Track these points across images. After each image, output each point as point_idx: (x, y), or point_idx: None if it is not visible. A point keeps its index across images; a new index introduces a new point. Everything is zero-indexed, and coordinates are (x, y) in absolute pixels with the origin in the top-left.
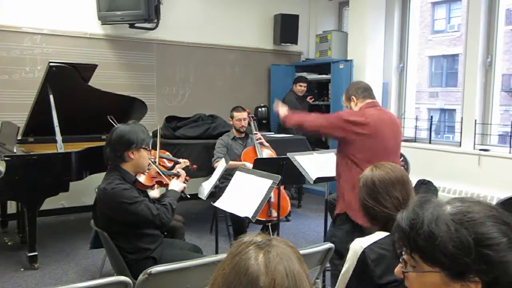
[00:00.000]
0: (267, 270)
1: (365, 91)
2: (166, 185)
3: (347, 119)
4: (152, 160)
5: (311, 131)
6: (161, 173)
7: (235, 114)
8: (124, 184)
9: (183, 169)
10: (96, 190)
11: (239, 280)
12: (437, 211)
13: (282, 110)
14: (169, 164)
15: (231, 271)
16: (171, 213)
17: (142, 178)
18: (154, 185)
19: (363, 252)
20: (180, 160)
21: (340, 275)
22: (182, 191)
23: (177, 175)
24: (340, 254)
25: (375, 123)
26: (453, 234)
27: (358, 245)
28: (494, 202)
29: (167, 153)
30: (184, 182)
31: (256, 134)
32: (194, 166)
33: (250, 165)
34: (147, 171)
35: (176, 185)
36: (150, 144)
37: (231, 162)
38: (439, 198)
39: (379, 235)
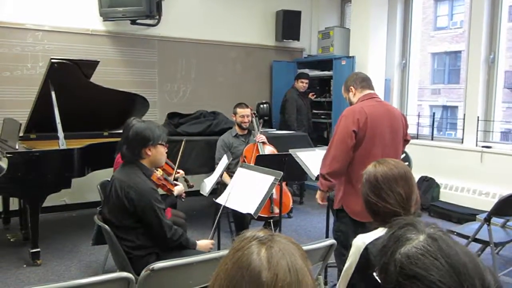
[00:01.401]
0: (270, 265)
1: (364, 81)
2: (169, 190)
3: (350, 133)
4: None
5: (335, 164)
6: (167, 179)
7: (239, 110)
8: (150, 182)
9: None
10: (110, 180)
11: (242, 275)
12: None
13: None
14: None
15: (234, 266)
16: (177, 241)
17: (153, 176)
18: (158, 186)
19: (366, 248)
20: (178, 170)
21: (343, 271)
22: (180, 195)
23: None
24: (347, 248)
25: (370, 119)
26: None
27: (361, 241)
28: (496, 199)
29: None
30: (181, 196)
31: (259, 135)
32: (192, 184)
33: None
34: (155, 172)
35: (203, 246)
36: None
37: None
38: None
39: (382, 231)
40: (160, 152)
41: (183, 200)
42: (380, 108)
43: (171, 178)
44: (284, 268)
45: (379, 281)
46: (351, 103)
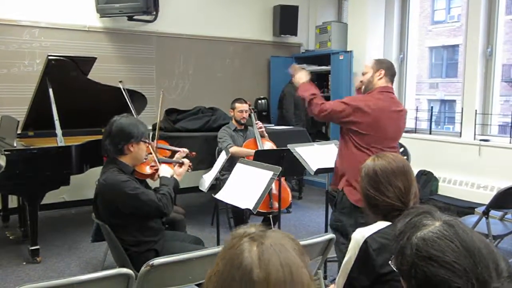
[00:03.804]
0: (261, 263)
1: (393, 76)
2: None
3: (350, 111)
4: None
5: (318, 110)
6: (158, 161)
7: (237, 105)
8: (122, 176)
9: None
10: (96, 183)
11: (233, 275)
12: (412, 232)
13: (300, 75)
14: (168, 154)
15: (226, 265)
16: (171, 202)
17: (140, 168)
18: (153, 173)
19: (365, 242)
20: (179, 149)
21: (342, 265)
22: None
23: (180, 163)
24: (347, 237)
25: (376, 113)
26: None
27: (360, 235)
28: (494, 192)
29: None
30: (188, 170)
31: (257, 123)
32: (193, 153)
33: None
34: (145, 160)
35: (166, 171)
36: (149, 136)
37: (238, 149)
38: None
39: (381, 224)
40: (141, 149)
41: (189, 171)
42: (390, 106)
43: (170, 159)
44: (276, 265)
45: (394, 267)
46: (367, 83)
